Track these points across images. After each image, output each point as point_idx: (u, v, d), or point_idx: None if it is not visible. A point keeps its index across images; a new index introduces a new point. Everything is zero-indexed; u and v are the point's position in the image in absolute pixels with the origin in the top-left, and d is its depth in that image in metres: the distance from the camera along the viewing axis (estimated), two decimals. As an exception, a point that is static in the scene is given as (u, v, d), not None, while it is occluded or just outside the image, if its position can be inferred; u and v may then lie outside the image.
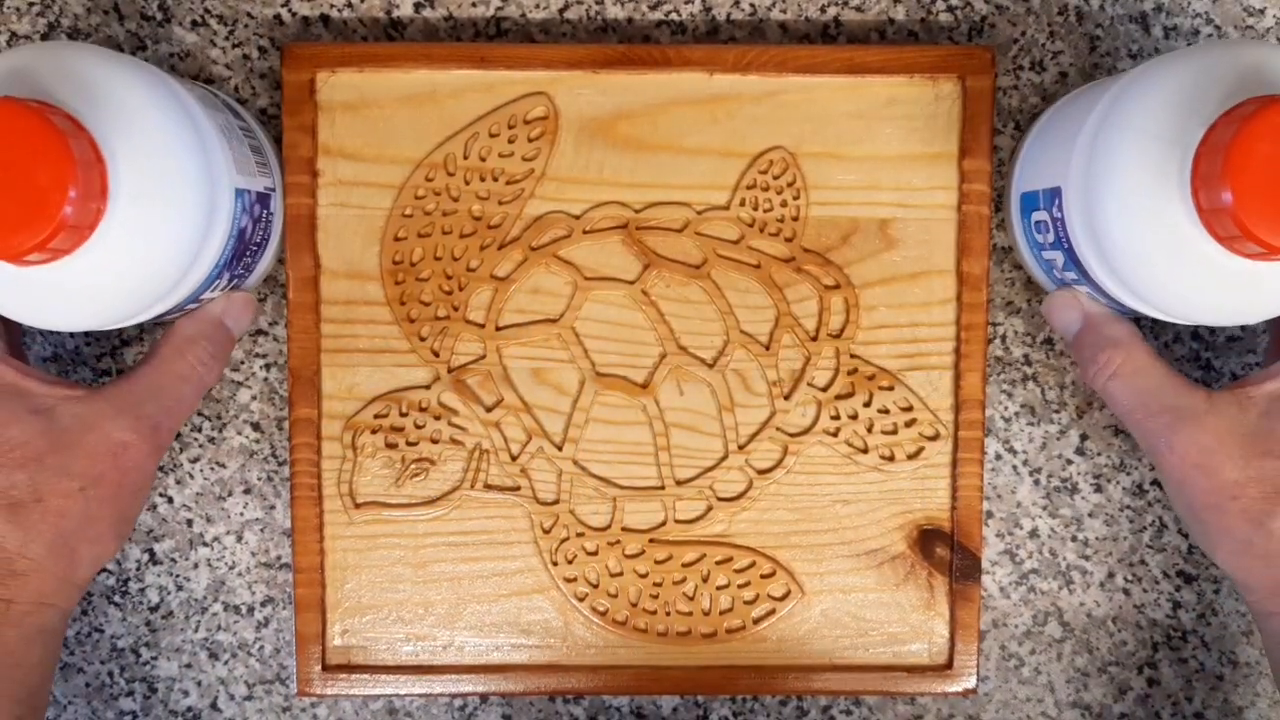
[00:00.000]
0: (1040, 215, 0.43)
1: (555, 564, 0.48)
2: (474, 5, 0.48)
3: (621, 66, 0.46)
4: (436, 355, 0.47)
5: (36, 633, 0.40)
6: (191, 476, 0.49)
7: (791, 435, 0.48)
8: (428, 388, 0.47)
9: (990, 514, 0.49)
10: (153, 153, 0.38)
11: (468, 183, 0.47)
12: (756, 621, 0.48)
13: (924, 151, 0.47)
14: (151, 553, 0.49)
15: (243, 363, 0.49)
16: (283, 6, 0.48)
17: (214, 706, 0.50)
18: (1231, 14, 0.48)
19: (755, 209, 0.47)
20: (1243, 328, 0.49)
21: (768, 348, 0.47)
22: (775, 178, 0.47)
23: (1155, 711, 0.50)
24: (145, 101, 0.38)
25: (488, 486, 0.48)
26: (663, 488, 0.48)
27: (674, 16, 0.48)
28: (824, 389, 0.48)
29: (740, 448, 0.48)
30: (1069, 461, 0.49)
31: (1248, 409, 0.40)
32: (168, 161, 0.38)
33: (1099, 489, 0.49)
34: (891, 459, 0.48)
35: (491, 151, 0.47)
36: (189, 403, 0.43)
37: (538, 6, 0.48)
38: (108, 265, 0.37)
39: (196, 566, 0.49)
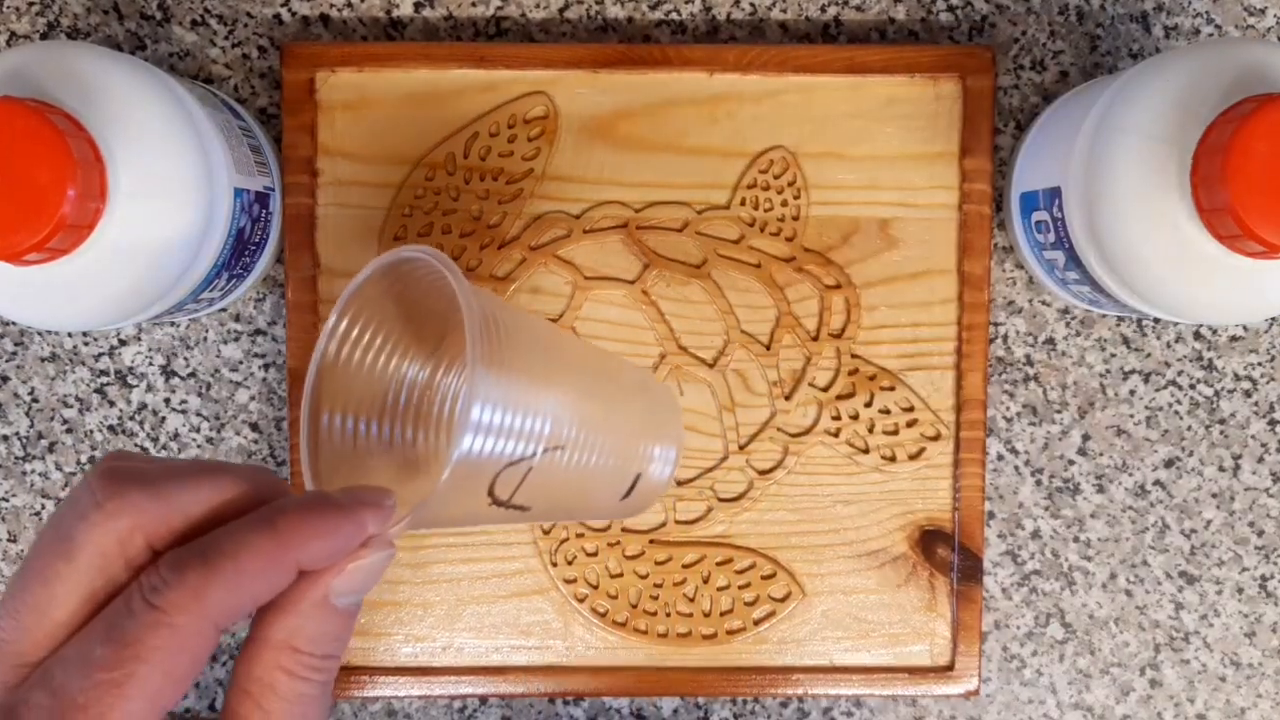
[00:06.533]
0: (1040, 215, 0.43)
1: (555, 565, 0.48)
2: (474, 5, 0.48)
3: (621, 66, 0.46)
4: (436, 355, 0.47)
5: None
6: (191, 477, 0.49)
7: (792, 436, 0.47)
8: (427, 388, 0.47)
9: (992, 515, 0.49)
10: (152, 152, 0.38)
11: (467, 182, 0.47)
12: (757, 623, 0.48)
13: (924, 151, 0.47)
14: (151, 553, 0.49)
15: (241, 363, 0.49)
16: (282, 6, 0.48)
17: (212, 708, 0.50)
18: (1232, 14, 0.48)
19: (755, 208, 0.47)
20: (1244, 327, 0.49)
21: (768, 348, 0.47)
22: (776, 177, 0.47)
23: (1158, 713, 0.50)
24: (144, 101, 0.38)
25: (487, 487, 0.47)
26: (663, 488, 0.48)
27: (674, 16, 0.48)
28: (825, 389, 0.47)
29: (741, 448, 0.47)
30: (1071, 462, 0.49)
31: None
32: (167, 161, 0.38)
33: (1101, 489, 0.49)
34: (893, 459, 0.48)
35: (491, 151, 0.47)
36: None
37: (538, 6, 0.48)
38: (106, 265, 0.37)
39: (196, 567, 0.49)
